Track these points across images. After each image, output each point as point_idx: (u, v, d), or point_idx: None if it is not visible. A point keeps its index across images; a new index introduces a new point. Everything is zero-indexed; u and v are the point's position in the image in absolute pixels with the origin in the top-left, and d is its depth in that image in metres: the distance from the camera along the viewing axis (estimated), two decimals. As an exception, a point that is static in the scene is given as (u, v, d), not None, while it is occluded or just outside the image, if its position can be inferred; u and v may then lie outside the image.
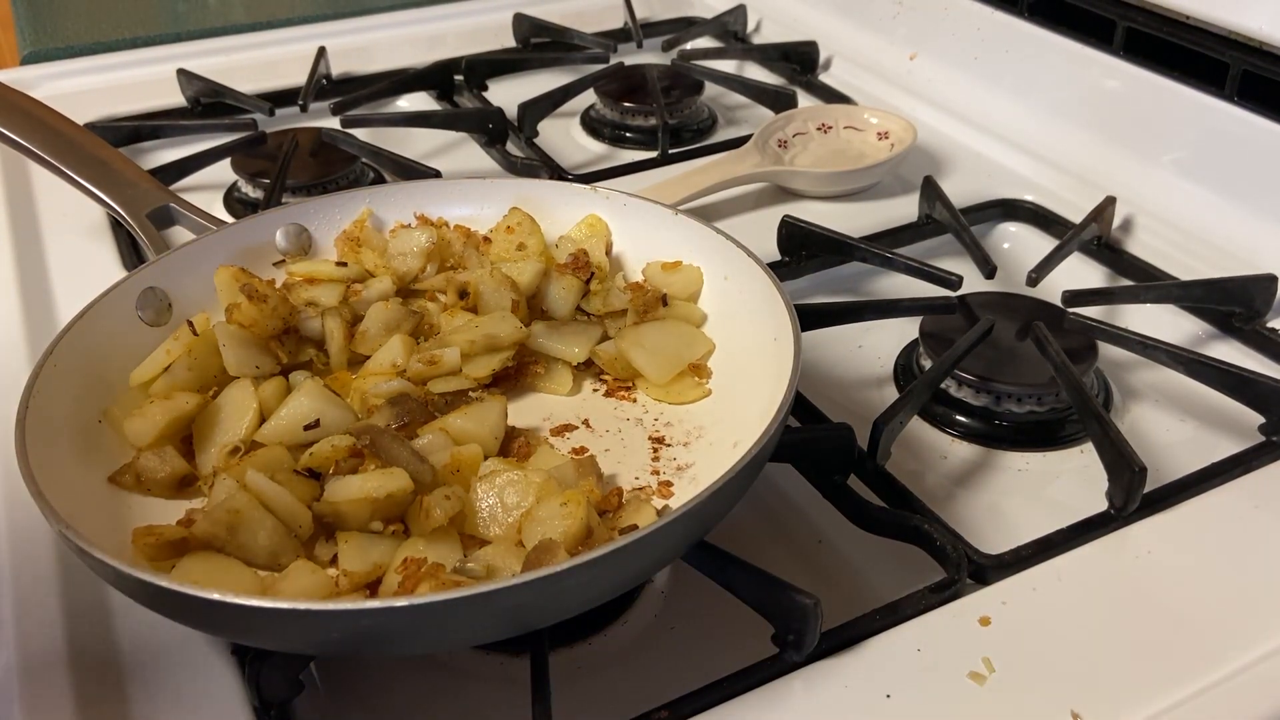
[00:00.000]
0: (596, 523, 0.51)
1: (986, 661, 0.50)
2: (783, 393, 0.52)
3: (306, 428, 0.56)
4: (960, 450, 0.66)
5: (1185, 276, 0.77)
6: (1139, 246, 0.82)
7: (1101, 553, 0.57)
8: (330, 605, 0.42)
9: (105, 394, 0.57)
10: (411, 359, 0.62)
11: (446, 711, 0.51)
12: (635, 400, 0.63)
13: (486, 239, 0.69)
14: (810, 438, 0.62)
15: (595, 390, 0.64)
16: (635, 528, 0.50)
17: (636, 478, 0.57)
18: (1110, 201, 0.83)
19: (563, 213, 0.70)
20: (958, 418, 0.67)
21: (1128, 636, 0.52)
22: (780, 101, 1.02)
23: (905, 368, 0.72)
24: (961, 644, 0.51)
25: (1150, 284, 0.78)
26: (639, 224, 0.69)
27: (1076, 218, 0.82)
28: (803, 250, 0.80)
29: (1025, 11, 0.97)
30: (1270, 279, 0.73)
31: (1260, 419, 0.65)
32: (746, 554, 0.51)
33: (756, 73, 1.13)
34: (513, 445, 0.58)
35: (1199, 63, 0.83)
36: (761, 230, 0.81)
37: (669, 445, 0.60)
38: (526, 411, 0.62)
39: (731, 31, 1.21)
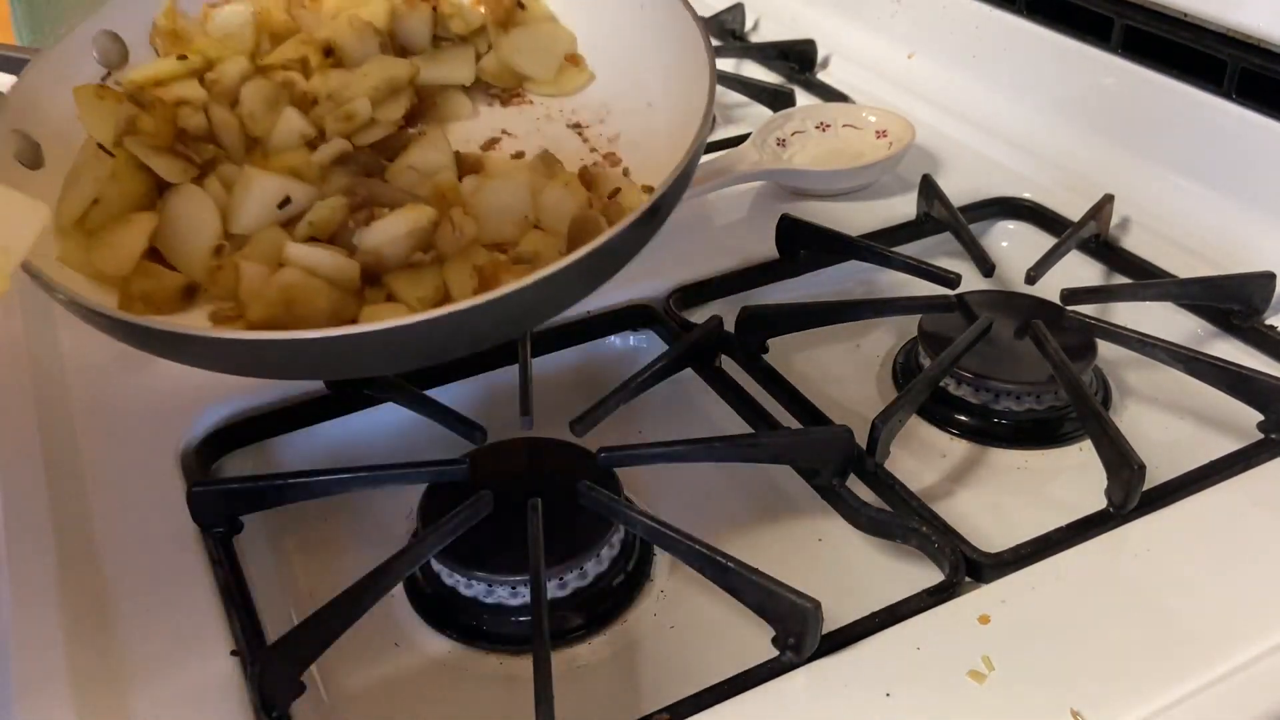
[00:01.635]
0: (590, 195, 0.56)
1: (986, 660, 0.51)
2: (697, 34, 0.57)
3: (280, 206, 0.56)
4: (959, 448, 0.66)
5: (1183, 274, 0.77)
6: (1137, 244, 0.82)
7: (1101, 551, 0.57)
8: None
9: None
10: (328, 120, 0.61)
11: (446, 711, 0.51)
12: (532, 103, 0.66)
13: None
14: (810, 439, 0.62)
15: (490, 105, 0.66)
16: (619, 190, 0.56)
17: (582, 159, 0.61)
18: (1108, 199, 0.83)
19: None
20: (956, 416, 0.67)
21: (1127, 634, 0.52)
22: (778, 100, 1.01)
23: (904, 366, 0.72)
24: (961, 642, 0.51)
25: (1148, 282, 0.78)
26: None
27: (1075, 216, 0.82)
28: (801, 249, 0.80)
29: (1023, 10, 0.97)
30: (1268, 276, 0.73)
31: (1259, 416, 0.65)
32: (746, 554, 0.52)
33: (754, 71, 1.13)
34: (466, 166, 0.60)
35: (1197, 60, 0.83)
36: (760, 229, 0.81)
37: (588, 126, 0.63)
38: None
39: (729, 30, 1.21)
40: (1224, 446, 0.64)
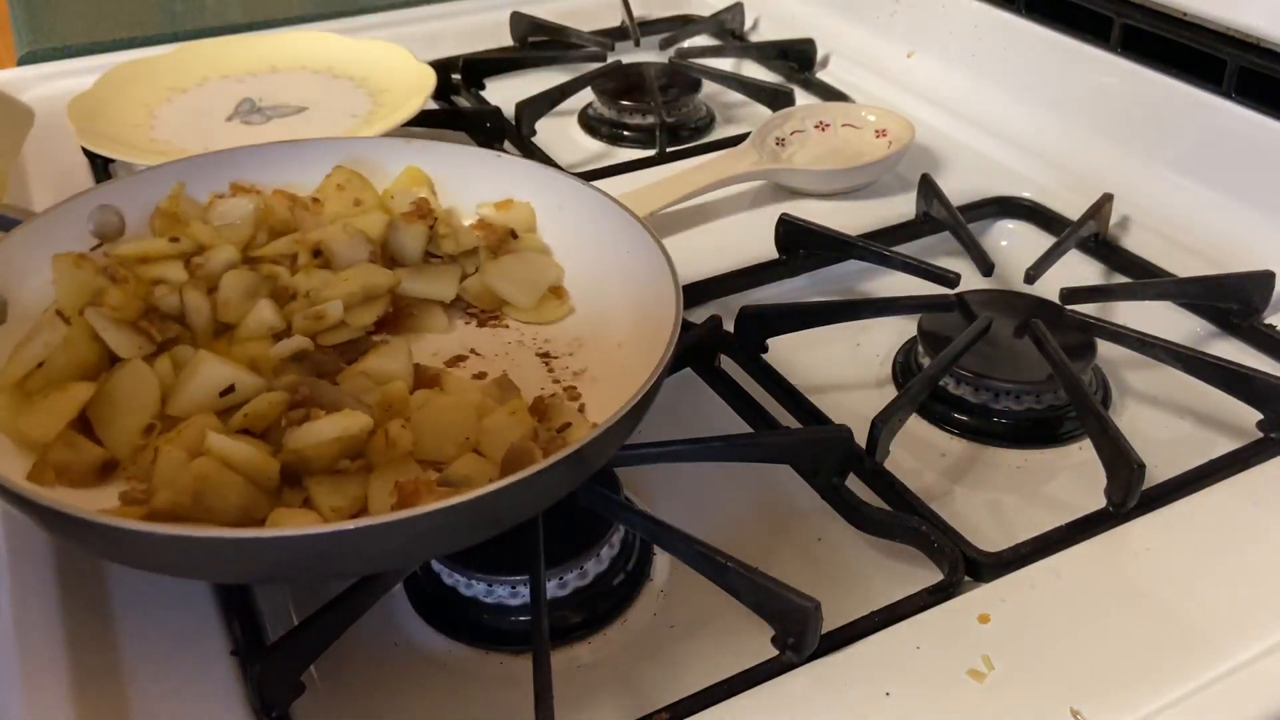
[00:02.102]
0: (538, 426, 0.55)
1: (986, 659, 0.51)
2: (667, 274, 0.58)
3: (223, 394, 0.56)
4: (959, 448, 0.66)
5: (1183, 273, 0.77)
6: (1136, 243, 0.82)
7: (1100, 550, 0.57)
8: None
9: None
10: (297, 317, 0.62)
11: (446, 711, 0.51)
12: (508, 326, 0.67)
13: (316, 200, 0.70)
14: (809, 439, 0.62)
15: (467, 323, 0.67)
16: (569, 425, 0.55)
17: (542, 388, 0.61)
18: (1107, 198, 0.83)
19: (383, 168, 0.72)
20: (956, 415, 0.67)
21: (1127, 633, 0.52)
22: (778, 99, 1.02)
23: (904, 366, 0.72)
24: (961, 642, 0.52)
25: (1148, 281, 0.78)
26: (461, 170, 0.71)
27: (1074, 215, 0.82)
28: (800, 248, 0.80)
29: (1023, 9, 0.97)
30: (1268, 275, 0.73)
31: (1258, 415, 0.65)
32: (746, 554, 0.51)
33: (754, 71, 1.13)
34: (424, 379, 0.60)
35: (1196, 59, 0.83)
36: (759, 228, 0.81)
37: (556, 357, 0.64)
38: (414, 352, 0.63)
39: (729, 29, 1.21)
40: (1223, 446, 0.64)
